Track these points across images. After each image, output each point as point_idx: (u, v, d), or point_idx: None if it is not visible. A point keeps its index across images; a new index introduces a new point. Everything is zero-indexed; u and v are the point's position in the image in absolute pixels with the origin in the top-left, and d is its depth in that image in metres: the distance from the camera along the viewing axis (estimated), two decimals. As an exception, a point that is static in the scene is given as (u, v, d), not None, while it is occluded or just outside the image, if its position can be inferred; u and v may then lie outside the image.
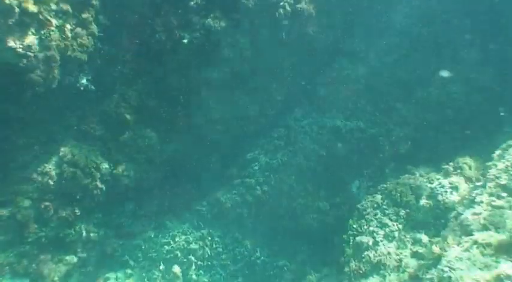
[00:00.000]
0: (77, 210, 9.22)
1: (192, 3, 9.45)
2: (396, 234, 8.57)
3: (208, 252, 10.09)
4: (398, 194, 9.06)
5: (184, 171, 10.65)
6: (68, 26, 8.09)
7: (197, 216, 10.53)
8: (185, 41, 9.48)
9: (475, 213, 6.88)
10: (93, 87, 9.08)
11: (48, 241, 8.89)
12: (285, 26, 9.73)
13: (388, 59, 10.88)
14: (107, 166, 9.57)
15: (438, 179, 9.09)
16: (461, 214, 7.27)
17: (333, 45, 10.66)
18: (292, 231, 10.33)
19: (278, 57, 10.14)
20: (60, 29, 7.98)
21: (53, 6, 7.74)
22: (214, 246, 10.17)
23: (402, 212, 8.86)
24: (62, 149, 9.02)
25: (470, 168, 8.77)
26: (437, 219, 8.37)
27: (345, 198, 10.37)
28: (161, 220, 10.52)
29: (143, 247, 10.09)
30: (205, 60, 9.73)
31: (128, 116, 9.70)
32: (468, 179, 8.62)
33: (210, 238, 10.22)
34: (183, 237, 10.15)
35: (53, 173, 8.86)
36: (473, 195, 7.46)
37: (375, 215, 9.08)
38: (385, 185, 9.48)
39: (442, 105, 10.36)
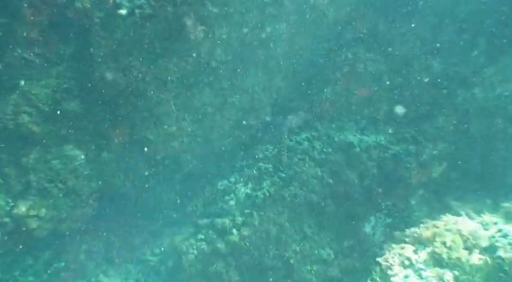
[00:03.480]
0: (-47, 273, 6.33)
1: None
2: (441, 310, 5.96)
3: (161, 323, 7.09)
4: (441, 246, 6.39)
5: (125, 206, 7.50)
6: None
7: (145, 270, 7.39)
8: (123, 11, 6.14)
9: None
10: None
11: None
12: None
13: (418, 48, 7.87)
14: (2, 203, 6.58)
15: (496, 223, 6.56)
16: None
17: (346, 26, 7.42)
18: (282, 290, 7.37)
19: (267, 39, 6.90)
20: None
21: None
22: (169, 314, 7.14)
23: (448, 276, 6.14)
24: None
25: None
26: (500, 287, 5.78)
27: (356, 242, 7.66)
28: (92, 274, 7.51)
29: (65, 315, 7.12)
30: (156, 42, 6.40)
31: (34, 126, 6.46)
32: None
33: (163, 302, 7.14)
34: (124, 301, 7.11)
35: None
36: None
37: (406, 277, 6.39)
38: (417, 229, 6.86)
39: (490, 112, 7.78)
